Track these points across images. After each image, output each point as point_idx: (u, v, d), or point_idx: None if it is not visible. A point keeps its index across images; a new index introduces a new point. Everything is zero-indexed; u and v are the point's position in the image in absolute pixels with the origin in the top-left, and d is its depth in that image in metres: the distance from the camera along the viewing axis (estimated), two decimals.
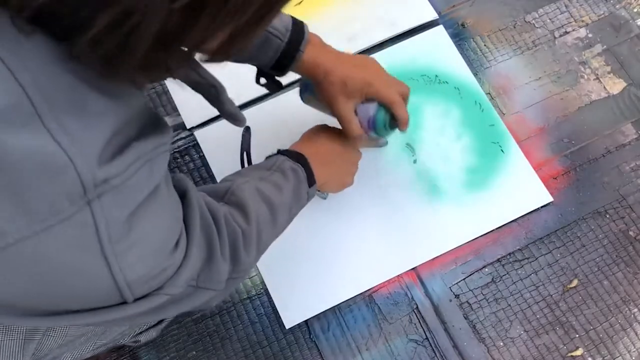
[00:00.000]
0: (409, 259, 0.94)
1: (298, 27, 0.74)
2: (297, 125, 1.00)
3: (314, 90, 0.80)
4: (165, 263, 0.47)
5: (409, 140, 0.99)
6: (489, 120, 1.01)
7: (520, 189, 0.97)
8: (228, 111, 0.61)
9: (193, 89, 0.57)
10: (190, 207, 0.53)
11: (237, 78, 1.02)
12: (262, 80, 0.80)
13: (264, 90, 1.01)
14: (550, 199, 0.97)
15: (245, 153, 0.79)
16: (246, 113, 1.00)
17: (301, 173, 0.71)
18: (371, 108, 0.79)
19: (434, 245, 0.94)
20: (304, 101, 0.86)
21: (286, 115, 1.01)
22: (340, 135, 0.81)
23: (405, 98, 0.82)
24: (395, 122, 0.81)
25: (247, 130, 0.79)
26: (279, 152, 0.75)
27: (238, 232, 0.59)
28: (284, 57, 0.74)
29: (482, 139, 1.00)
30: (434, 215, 0.95)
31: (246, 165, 0.80)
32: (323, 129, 0.84)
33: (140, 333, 0.79)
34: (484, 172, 0.98)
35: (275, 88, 0.81)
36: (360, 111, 0.79)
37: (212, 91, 0.58)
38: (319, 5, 1.07)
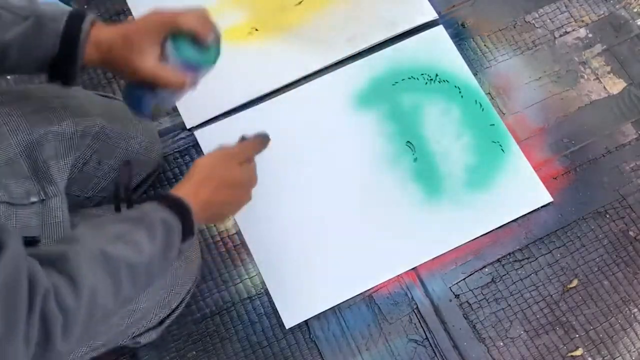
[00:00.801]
0: (409, 259, 0.94)
1: (76, 12, 0.63)
2: (295, 127, 1.01)
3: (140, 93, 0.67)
4: None
5: (409, 138, 0.99)
6: (489, 120, 1.01)
7: (520, 189, 0.97)
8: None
9: None
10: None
11: (239, 78, 1.03)
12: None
13: (263, 91, 1.02)
14: (550, 199, 0.97)
15: (122, 188, 0.65)
16: (245, 113, 1.01)
17: (176, 227, 0.60)
18: (167, 45, 0.65)
19: (434, 245, 0.94)
20: (142, 112, 0.69)
21: (284, 117, 1.01)
22: (238, 160, 0.71)
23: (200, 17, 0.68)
24: (200, 40, 0.67)
25: (128, 163, 0.67)
26: (158, 196, 0.63)
27: (56, 316, 0.48)
28: (66, 44, 0.62)
29: (483, 138, 1.00)
30: (434, 214, 0.95)
31: (122, 205, 0.68)
32: (217, 158, 0.71)
33: (141, 335, 0.79)
34: (484, 171, 0.98)
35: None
36: (165, 58, 0.65)
37: None
38: (319, 6, 1.07)
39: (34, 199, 0.66)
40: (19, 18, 0.61)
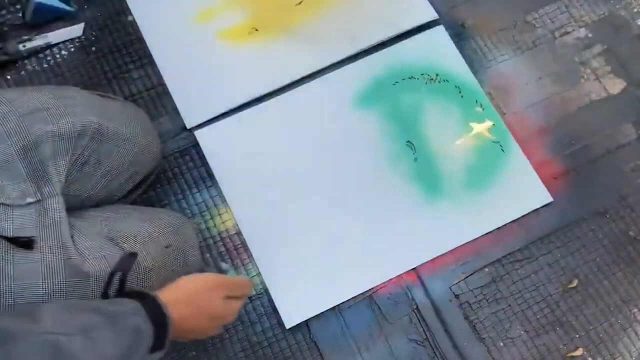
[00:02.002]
0: (409, 259, 0.94)
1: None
2: (295, 127, 1.01)
3: None
4: None
5: (410, 138, 0.99)
6: (490, 120, 1.01)
7: (521, 189, 0.97)
8: None
9: None
10: None
11: (239, 78, 1.03)
12: None
13: (263, 91, 1.02)
14: (550, 199, 0.97)
15: (119, 277, 0.63)
16: (245, 113, 1.01)
17: (146, 338, 0.57)
18: None
19: (434, 245, 0.94)
20: None
21: (284, 117, 1.01)
22: (225, 293, 0.69)
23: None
24: None
25: (134, 255, 0.66)
26: (143, 296, 0.60)
27: None
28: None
29: (483, 138, 1.00)
30: (434, 214, 0.95)
31: (110, 293, 0.65)
32: (206, 284, 0.68)
33: None
34: (484, 171, 0.98)
35: None
36: None
37: None
38: (319, 5, 1.07)
39: (30, 200, 0.66)
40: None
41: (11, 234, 0.62)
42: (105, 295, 0.63)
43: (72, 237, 0.67)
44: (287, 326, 0.90)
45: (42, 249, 0.64)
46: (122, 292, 0.62)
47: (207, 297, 0.66)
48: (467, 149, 0.99)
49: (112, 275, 0.63)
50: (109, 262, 0.68)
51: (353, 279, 0.92)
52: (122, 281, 0.62)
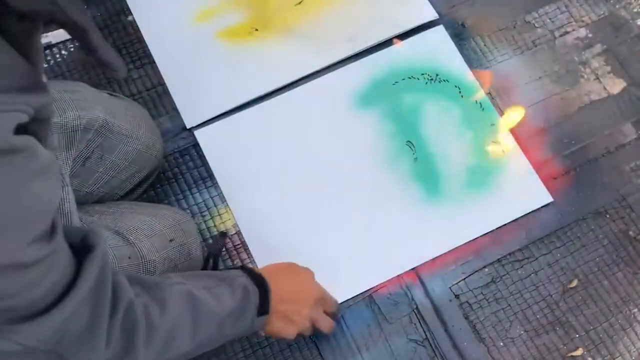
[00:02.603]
0: (408, 259, 0.94)
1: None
2: (295, 127, 1.01)
3: None
4: (20, 280, 0.41)
5: (409, 138, 0.99)
6: (490, 120, 1.01)
7: (521, 189, 0.97)
8: (102, 57, 0.48)
9: (64, 29, 0.47)
10: (90, 261, 0.47)
11: (239, 78, 1.03)
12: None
13: (263, 91, 1.02)
14: (550, 199, 0.97)
15: (212, 258, 0.73)
16: (245, 113, 1.01)
17: (253, 296, 0.64)
18: None
19: (433, 245, 0.94)
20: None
21: (284, 117, 1.01)
22: (313, 281, 0.78)
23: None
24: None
25: (223, 235, 0.76)
26: (243, 267, 0.69)
27: (141, 323, 0.52)
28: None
29: (483, 138, 1.00)
30: (433, 214, 0.95)
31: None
32: (301, 270, 0.78)
33: None
34: (484, 171, 0.98)
35: None
36: None
37: (80, 32, 0.46)
38: (319, 5, 1.07)
39: None
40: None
41: None
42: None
43: None
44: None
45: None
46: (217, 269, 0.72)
47: (293, 271, 0.76)
48: (467, 149, 0.99)
49: (207, 259, 0.73)
50: (115, 254, 0.69)
51: (353, 279, 0.92)
52: (215, 261, 0.72)
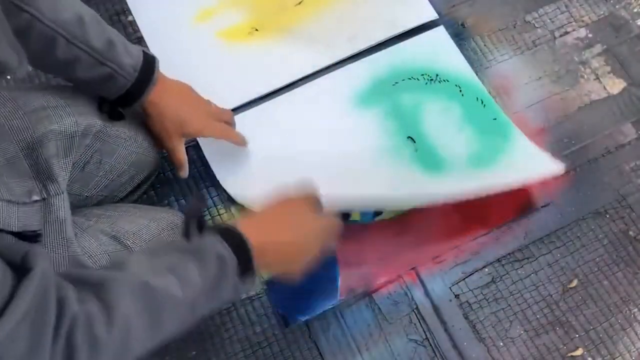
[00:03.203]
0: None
1: (148, 66, 0.76)
2: (295, 127, 1.01)
3: None
4: None
5: (410, 134, 0.99)
6: (492, 115, 1.01)
7: (528, 163, 0.95)
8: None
9: None
10: (26, 283, 0.44)
11: (239, 78, 1.03)
12: (105, 108, 0.78)
13: (263, 91, 1.02)
14: (561, 166, 0.94)
15: (190, 222, 0.65)
16: (245, 113, 1.01)
17: (230, 262, 0.59)
18: None
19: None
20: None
21: (284, 117, 1.01)
22: (313, 203, 0.72)
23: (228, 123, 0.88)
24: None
25: (202, 198, 0.70)
26: (219, 227, 0.63)
27: (81, 347, 0.47)
28: (128, 94, 0.75)
29: (486, 131, 0.99)
30: (435, 188, 0.93)
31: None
32: (292, 199, 0.72)
33: None
34: (488, 157, 0.97)
35: (116, 117, 0.78)
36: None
37: None
38: (319, 5, 1.07)
39: (35, 198, 0.66)
40: (97, 63, 0.71)
41: (17, 229, 0.63)
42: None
43: (75, 234, 0.68)
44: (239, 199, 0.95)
45: (47, 245, 0.65)
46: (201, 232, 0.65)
47: (293, 210, 0.69)
48: (470, 140, 0.98)
49: (186, 225, 0.64)
50: (111, 259, 0.68)
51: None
52: (201, 226, 0.64)
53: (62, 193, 0.68)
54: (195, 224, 0.64)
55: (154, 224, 0.77)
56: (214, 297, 0.60)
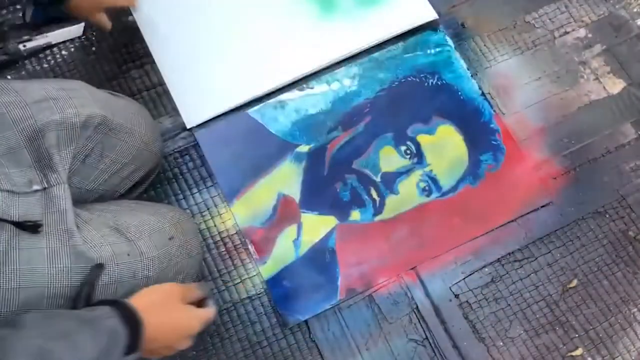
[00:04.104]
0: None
1: None
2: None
3: None
4: None
5: None
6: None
7: (406, 5, 1.06)
8: None
9: None
10: None
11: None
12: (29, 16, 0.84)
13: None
14: (434, 15, 1.05)
15: (86, 287, 0.65)
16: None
17: (121, 339, 0.59)
18: None
19: (325, 55, 1.01)
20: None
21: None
22: (182, 299, 0.71)
23: None
24: None
25: (100, 266, 0.68)
26: (115, 302, 0.63)
27: None
28: None
29: None
30: (327, 28, 1.04)
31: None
32: (172, 290, 0.71)
33: None
34: None
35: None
36: None
37: None
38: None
39: (36, 187, 0.66)
40: None
41: (17, 219, 0.63)
42: (75, 307, 0.65)
43: (77, 225, 0.68)
44: (188, 126, 0.99)
45: (48, 235, 0.65)
46: (91, 302, 0.64)
47: (168, 305, 0.68)
48: None
49: (81, 290, 0.64)
50: (114, 250, 0.69)
51: (253, 80, 1.01)
52: (89, 295, 0.64)
53: (64, 183, 0.68)
54: (86, 291, 0.64)
55: (156, 218, 0.77)
56: None
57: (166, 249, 0.76)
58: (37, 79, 0.78)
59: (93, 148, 0.75)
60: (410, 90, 1.03)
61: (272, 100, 1.02)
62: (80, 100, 0.73)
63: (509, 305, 0.93)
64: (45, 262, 0.64)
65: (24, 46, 1.02)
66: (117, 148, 0.78)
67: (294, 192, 0.98)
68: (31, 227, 0.63)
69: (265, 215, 0.97)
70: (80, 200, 0.77)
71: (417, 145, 1.00)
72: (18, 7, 1.05)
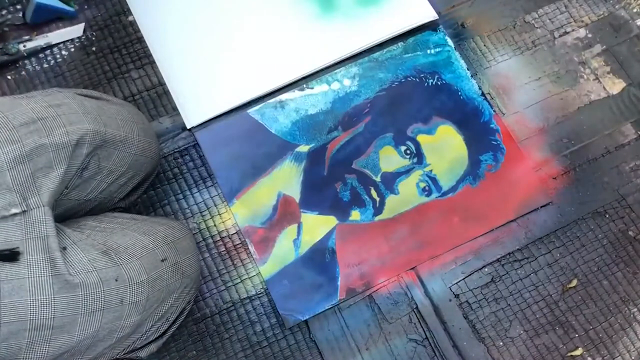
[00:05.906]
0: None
1: None
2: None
3: None
4: None
5: None
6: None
7: (406, 4, 1.06)
8: None
9: None
10: None
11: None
12: None
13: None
14: (435, 15, 1.05)
15: None
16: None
17: None
18: None
19: (324, 56, 1.02)
20: None
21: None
22: None
23: None
24: None
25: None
26: None
27: None
28: None
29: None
30: (327, 27, 1.04)
31: None
32: None
33: (141, 348, 0.77)
34: None
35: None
36: None
37: None
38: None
39: (14, 210, 0.64)
40: None
41: None
42: None
43: (64, 248, 0.66)
44: (188, 126, 0.99)
45: (29, 263, 0.62)
46: None
47: None
48: None
49: None
50: (101, 276, 0.67)
51: (256, 80, 1.02)
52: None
53: (43, 206, 0.66)
54: None
55: (148, 239, 0.76)
56: None
57: (157, 272, 0.74)
58: (24, 95, 0.75)
59: (89, 162, 0.73)
60: (410, 90, 1.03)
61: (272, 100, 1.02)
62: (69, 118, 0.71)
63: (509, 305, 0.93)
64: (28, 294, 0.61)
65: (24, 46, 1.03)
66: (113, 158, 0.77)
67: (294, 192, 0.98)
68: (9, 257, 0.61)
69: (265, 215, 0.97)
70: (79, 209, 0.76)
71: (417, 145, 1.00)
72: (18, 7, 1.05)
